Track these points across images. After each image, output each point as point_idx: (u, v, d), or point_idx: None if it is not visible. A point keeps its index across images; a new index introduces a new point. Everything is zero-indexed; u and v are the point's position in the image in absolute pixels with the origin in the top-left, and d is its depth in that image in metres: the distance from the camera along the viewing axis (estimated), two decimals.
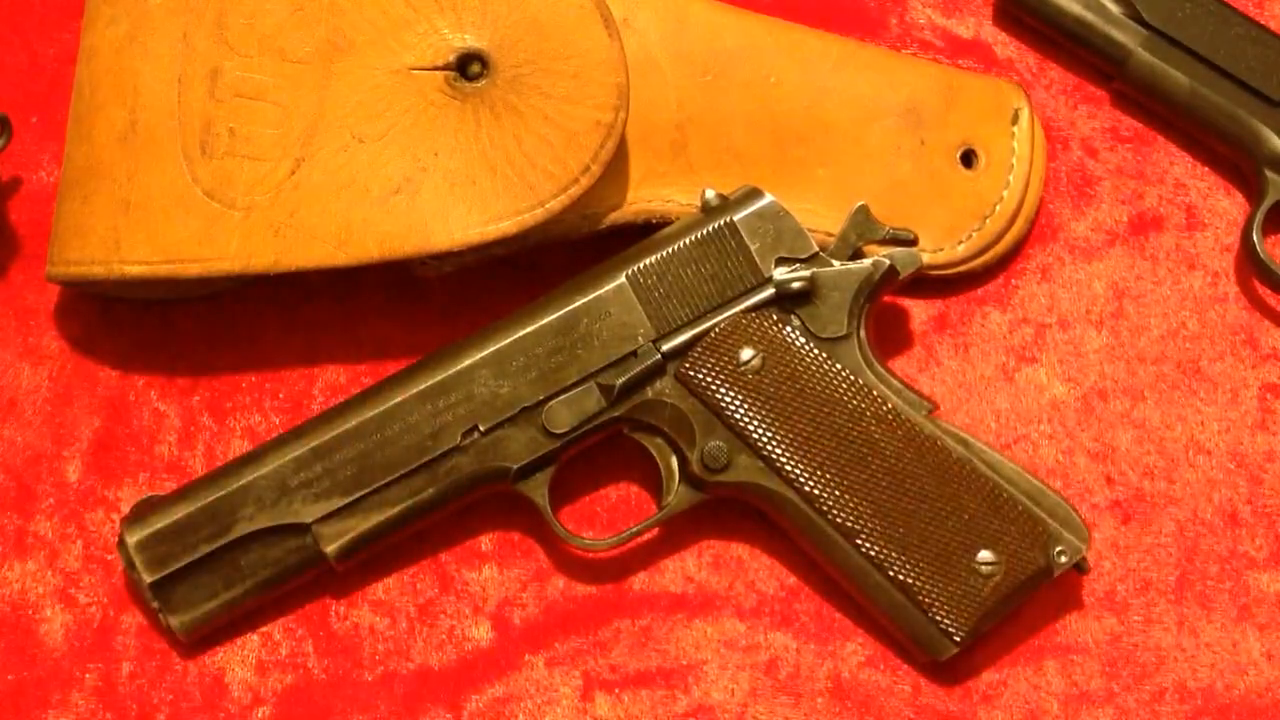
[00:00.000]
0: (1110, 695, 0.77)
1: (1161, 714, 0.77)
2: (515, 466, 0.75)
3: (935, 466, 0.75)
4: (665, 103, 0.80)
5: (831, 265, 0.76)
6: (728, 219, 0.76)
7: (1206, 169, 0.86)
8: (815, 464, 0.75)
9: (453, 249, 0.76)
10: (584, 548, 0.78)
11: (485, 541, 0.80)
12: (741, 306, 0.76)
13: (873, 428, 0.75)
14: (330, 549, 0.75)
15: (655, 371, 0.76)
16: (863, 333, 0.76)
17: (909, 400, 0.76)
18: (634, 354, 0.75)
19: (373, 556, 0.78)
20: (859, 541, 0.75)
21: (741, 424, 0.75)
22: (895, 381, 0.76)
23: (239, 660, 0.78)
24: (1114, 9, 0.84)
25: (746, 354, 0.75)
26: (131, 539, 0.75)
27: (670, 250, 0.76)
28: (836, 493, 0.75)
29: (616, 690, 0.77)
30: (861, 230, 0.77)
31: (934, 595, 0.75)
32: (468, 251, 0.77)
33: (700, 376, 0.75)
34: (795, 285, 0.75)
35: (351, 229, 0.76)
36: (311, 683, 0.78)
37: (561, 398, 0.75)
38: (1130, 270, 0.84)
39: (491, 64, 0.76)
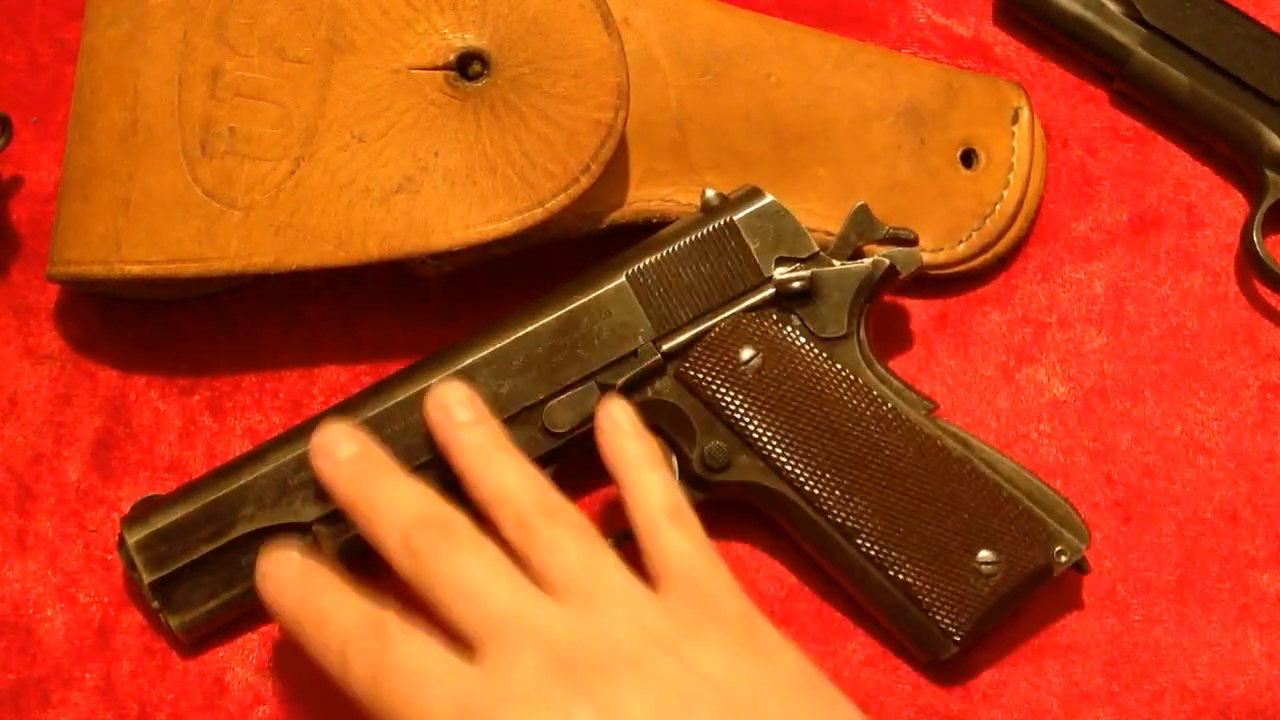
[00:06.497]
0: (1110, 695, 0.77)
1: (1161, 714, 0.77)
2: None
3: (935, 466, 0.75)
4: (665, 102, 0.80)
5: (831, 265, 0.76)
6: (728, 219, 0.76)
7: (1206, 169, 0.86)
8: (815, 464, 0.75)
9: (453, 249, 0.76)
10: None
11: None
12: (741, 306, 0.76)
13: (873, 427, 0.75)
14: (330, 549, 0.75)
15: (655, 371, 0.76)
16: (863, 332, 0.76)
17: (909, 400, 0.76)
18: (634, 354, 0.75)
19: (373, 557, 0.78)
20: (859, 541, 0.75)
21: (741, 424, 0.75)
22: (895, 381, 0.76)
23: (239, 660, 0.78)
24: (1114, 9, 0.84)
25: (746, 354, 0.75)
26: (131, 539, 0.75)
27: (670, 250, 0.76)
28: (836, 492, 0.75)
29: None
30: (861, 230, 0.77)
31: (934, 595, 0.75)
32: (468, 251, 0.77)
33: (700, 376, 0.75)
34: (795, 285, 0.75)
35: (352, 229, 0.76)
36: (312, 682, 0.78)
37: (562, 397, 0.75)
38: (1130, 270, 0.84)
39: (492, 64, 0.76)
